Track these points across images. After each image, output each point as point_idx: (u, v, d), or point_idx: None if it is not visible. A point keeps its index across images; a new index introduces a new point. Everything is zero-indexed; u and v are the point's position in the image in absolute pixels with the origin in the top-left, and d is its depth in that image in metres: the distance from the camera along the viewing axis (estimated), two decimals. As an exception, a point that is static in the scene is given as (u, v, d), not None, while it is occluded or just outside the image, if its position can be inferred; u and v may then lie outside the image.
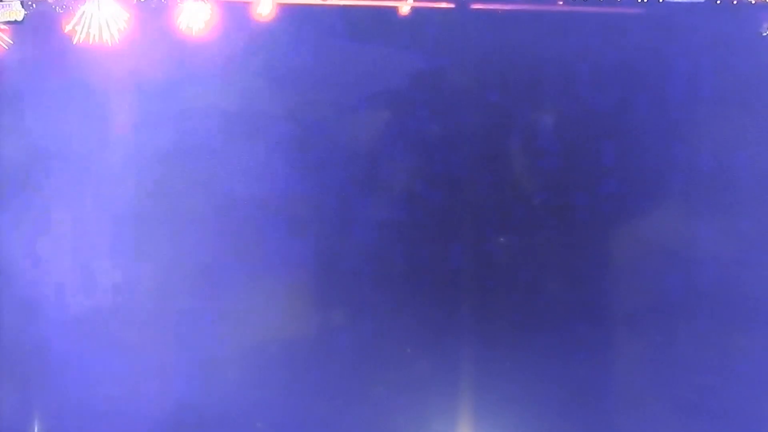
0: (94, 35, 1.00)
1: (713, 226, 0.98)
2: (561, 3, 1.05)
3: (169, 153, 1.01)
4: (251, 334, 1.03)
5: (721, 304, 0.99)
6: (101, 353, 1.02)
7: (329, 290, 1.02)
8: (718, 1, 0.97)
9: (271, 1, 1.02)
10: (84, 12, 1.01)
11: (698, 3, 1.00)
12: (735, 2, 0.98)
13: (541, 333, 1.03)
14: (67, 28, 1.00)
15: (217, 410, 1.03)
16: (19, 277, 1.01)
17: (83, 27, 0.99)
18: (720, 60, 1.00)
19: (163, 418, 1.02)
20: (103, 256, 1.04)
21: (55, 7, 0.95)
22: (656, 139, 1.00)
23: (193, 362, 1.03)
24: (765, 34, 0.99)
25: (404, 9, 1.03)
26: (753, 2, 1.00)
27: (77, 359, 1.02)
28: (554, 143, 1.02)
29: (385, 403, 1.02)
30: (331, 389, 1.01)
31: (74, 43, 0.98)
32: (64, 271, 1.03)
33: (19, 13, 1.01)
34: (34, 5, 0.94)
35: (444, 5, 1.01)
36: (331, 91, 1.01)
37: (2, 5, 0.97)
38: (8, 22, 0.99)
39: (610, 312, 1.01)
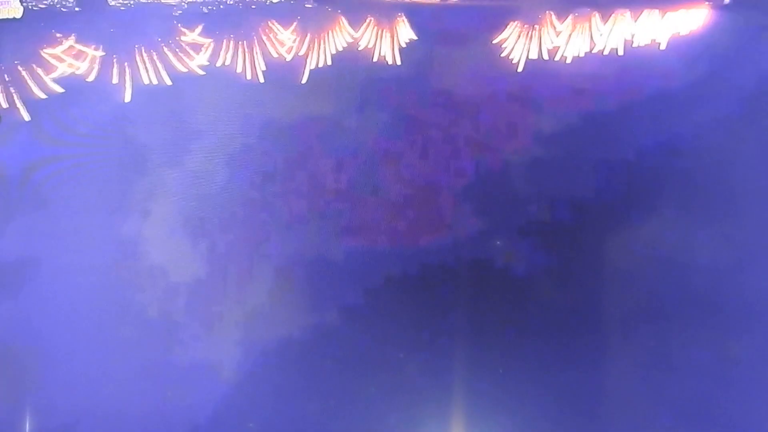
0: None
1: (707, 232, 1.01)
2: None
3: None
4: (243, 336, 1.08)
5: (715, 311, 1.00)
6: (91, 354, 1.10)
7: (322, 293, 1.05)
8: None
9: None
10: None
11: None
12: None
13: (535, 338, 1.01)
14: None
15: (210, 412, 1.09)
16: (13, 276, 1.10)
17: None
18: (714, 66, 1.03)
19: (154, 420, 1.10)
20: (97, 256, 1.10)
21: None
22: (651, 146, 1.02)
23: (185, 363, 1.09)
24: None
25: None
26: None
27: (68, 360, 1.11)
28: (548, 150, 1.04)
29: (378, 406, 1.06)
30: (324, 391, 1.05)
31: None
32: (58, 271, 1.11)
33: (17, 11, 1.04)
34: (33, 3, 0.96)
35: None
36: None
37: (0, 3, 1.00)
38: (6, 20, 1.02)
39: (604, 318, 1.03)
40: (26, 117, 1.10)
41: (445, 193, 1.07)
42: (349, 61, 1.11)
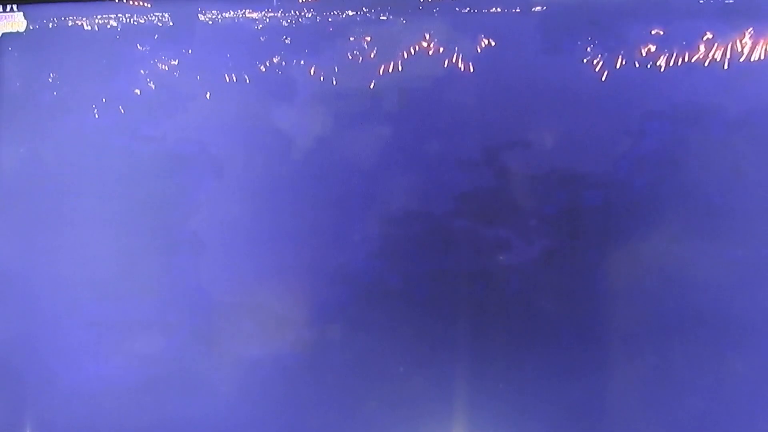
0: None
1: (711, 250, 0.96)
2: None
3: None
4: (244, 351, 1.03)
5: (719, 328, 0.96)
6: (92, 365, 1.08)
7: (324, 306, 1.03)
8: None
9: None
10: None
11: None
12: None
13: (537, 353, 0.99)
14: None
15: (210, 425, 1.03)
16: (15, 278, 1.12)
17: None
18: (722, 86, 0.97)
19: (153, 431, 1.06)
20: (97, 270, 1.10)
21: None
22: (654, 161, 0.97)
23: (185, 377, 1.04)
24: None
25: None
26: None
27: (68, 372, 1.09)
28: (551, 163, 1.00)
29: (379, 421, 1.01)
30: (325, 406, 0.99)
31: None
32: (61, 276, 1.11)
33: (21, 24, 1.10)
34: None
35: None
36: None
37: (4, 16, 1.06)
38: (9, 33, 1.07)
39: (606, 333, 0.99)
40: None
41: (466, 201, 1.02)
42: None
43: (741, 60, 1.00)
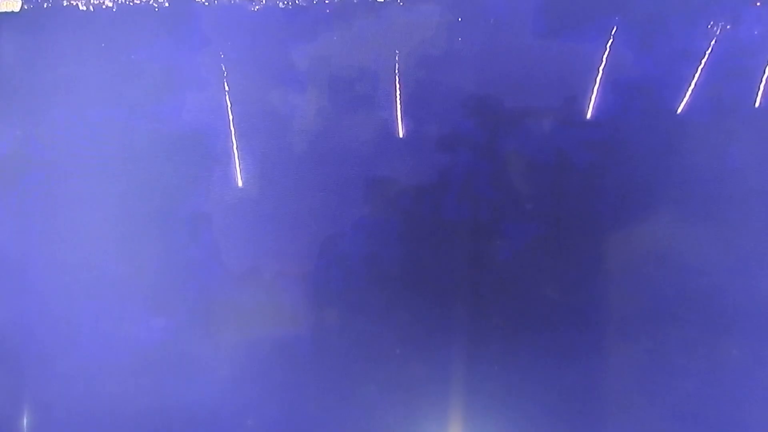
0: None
1: (707, 234, 0.97)
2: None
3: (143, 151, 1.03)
4: (242, 333, 1.03)
5: (713, 313, 0.97)
6: (89, 350, 1.08)
7: (322, 289, 1.04)
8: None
9: None
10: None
11: None
12: None
13: (533, 336, 1.00)
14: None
15: (208, 408, 1.03)
16: (12, 260, 1.12)
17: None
18: (718, 66, 0.97)
19: (152, 416, 1.06)
20: (95, 252, 1.09)
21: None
22: (651, 145, 0.97)
23: (183, 360, 1.04)
24: None
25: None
26: None
27: (66, 355, 1.09)
28: (548, 149, 1.00)
29: (376, 403, 1.03)
30: (323, 388, 1.03)
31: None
32: (58, 258, 1.11)
33: (16, 4, 1.08)
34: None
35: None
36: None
37: None
38: (4, 13, 1.05)
39: (603, 317, 1.00)
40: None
41: (464, 184, 1.02)
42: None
43: (739, 37, 0.99)
